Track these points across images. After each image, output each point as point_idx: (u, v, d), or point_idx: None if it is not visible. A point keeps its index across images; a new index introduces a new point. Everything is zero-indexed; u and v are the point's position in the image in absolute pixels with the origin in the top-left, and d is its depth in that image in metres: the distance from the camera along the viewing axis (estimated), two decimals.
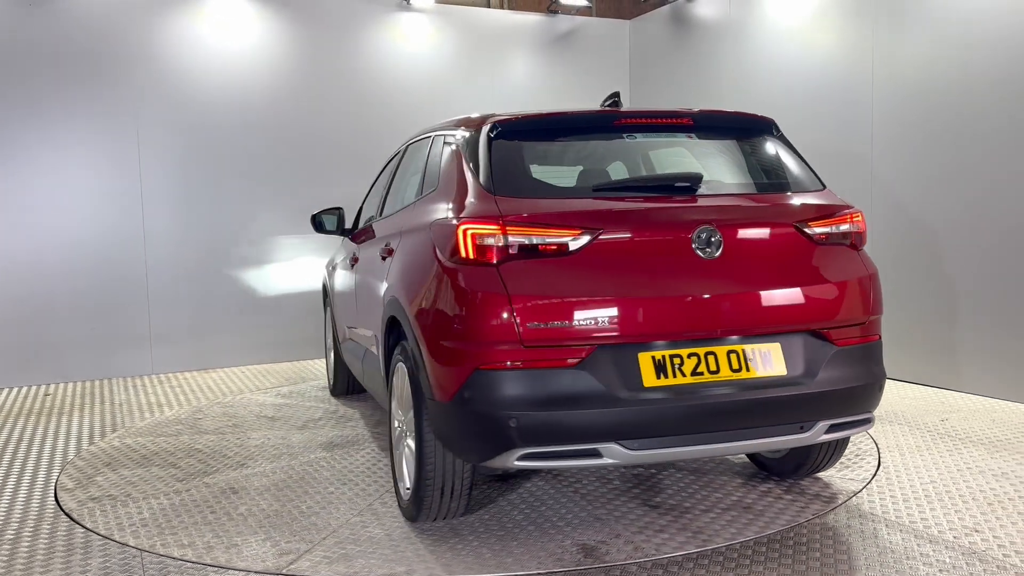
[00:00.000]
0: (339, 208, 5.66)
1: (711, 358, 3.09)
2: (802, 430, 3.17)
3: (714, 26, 7.96)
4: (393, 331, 3.89)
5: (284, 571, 3.18)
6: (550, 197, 3.22)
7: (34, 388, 6.99)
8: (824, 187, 3.55)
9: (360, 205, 5.72)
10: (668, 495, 3.88)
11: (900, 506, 3.67)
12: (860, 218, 3.46)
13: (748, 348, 3.13)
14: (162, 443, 5.10)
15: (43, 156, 6.97)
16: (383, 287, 3.94)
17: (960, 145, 5.67)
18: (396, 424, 3.87)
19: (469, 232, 3.09)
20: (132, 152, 7.24)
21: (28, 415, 6.04)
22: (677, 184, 3.26)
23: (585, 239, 3.04)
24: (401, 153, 4.84)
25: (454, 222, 3.17)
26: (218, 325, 7.70)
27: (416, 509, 3.45)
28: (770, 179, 3.50)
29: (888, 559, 3.12)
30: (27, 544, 3.58)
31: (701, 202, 3.23)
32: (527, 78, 8.83)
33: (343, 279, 5.44)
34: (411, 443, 3.53)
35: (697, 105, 7.23)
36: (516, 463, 3.01)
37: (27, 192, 6.95)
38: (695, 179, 3.26)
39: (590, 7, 9.07)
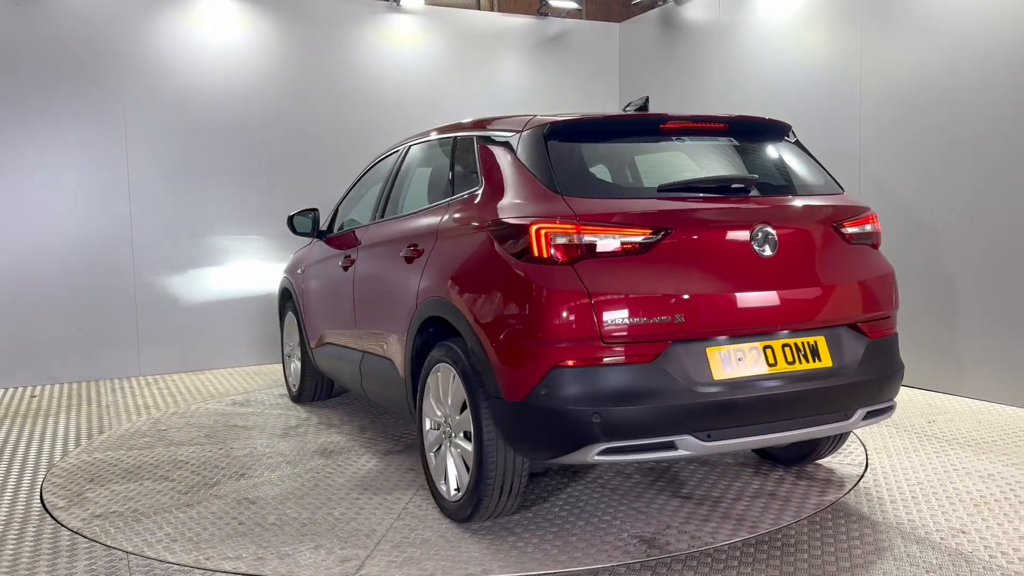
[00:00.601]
0: (315, 209, 5.54)
1: (769, 351, 3.25)
2: (845, 417, 3.39)
3: (703, 29, 8.04)
4: (423, 332, 3.87)
5: None
6: (615, 197, 3.30)
7: (20, 390, 6.86)
8: (843, 190, 3.80)
9: (335, 207, 5.60)
10: (693, 486, 4.03)
11: (887, 507, 3.71)
12: (877, 220, 3.73)
13: (799, 342, 3.32)
14: (138, 456, 4.82)
15: (30, 156, 6.85)
16: (412, 288, 3.89)
17: (947, 145, 5.73)
18: (429, 426, 3.83)
19: (543, 231, 3.12)
20: (120, 152, 7.14)
21: (14, 417, 5.91)
22: (732, 186, 3.41)
23: (656, 238, 3.14)
24: (401, 154, 4.78)
25: (524, 222, 3.19)
26: (206, 327, 7.55)
27: (472, 509, 3.45)
28: (801, 181, 3.70)
29: (875, 560, 3.15)
30: (12, 547, 3.50)
31: (756, 203, 3.39)
32: (517, 80, 8.86)
33: (327, 282, 5.30)
34: (463, 443, 3.51)
35: (686, 108, 7.43)
36: (596, 458, 3.07)
37: (13, 192, 6.83)
38: (750, 181, 3.43)
39: (580, 10, 9.14)
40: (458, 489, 3.59)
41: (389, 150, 5.10)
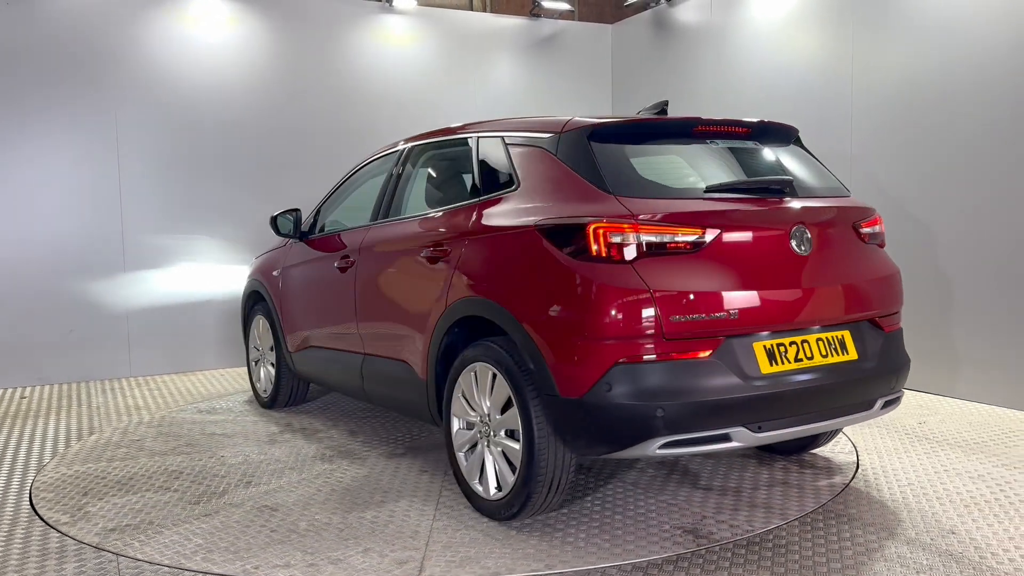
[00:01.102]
0: (297, 210, 5.42)
1: (806, 345, 3.41)
2: (869, 407, 3.60)
3: (695, 30, 8.02)
4: (450, 333, 3.85)
5: None
6: (663, 197, 3.37)
7: (10, 391, 6.80)
8: (849, 193, 4.02)
9: (315, 209, 5.48)
10: (708, 477, 4.17)
11: (877, 508, 3.72)
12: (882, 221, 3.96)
13: (829, 336, 3.49)
14: (123, 467, 4.59)
15: (20, 156, 6.80)
16: (438, 289, 3.87)
17: (940, 146, 5.73)
18: (459, 426, 3.83)
19: (601, 231, 3.18)
20: (111, 152, 7.10)
21: (3, 418, 5.85)
22: (771, 188, 3.56)
23: (708, 237, 3.25)
24: (400, 155, 4.73)
25: (581, 221, 3.24)
26: (197, 327, 7.45)
27: (520, 506, 3.46)
28: (818, 183, 3.88)
29: (865, 560, 3.16)
30: (0, 549, 3.52)
31: (791, 204, 3.55)
32: (509, 81, 8.86)
33: (315, 284, 5.19)
34: (507, 442, 3.52)
35: (677, 111, 7.34)
36: (657, 452, 3.15)
37: (3, 192, 6.78)
38: (787, 184, 3.58)
39: (572, 11, 9.16)
40: (499, 488, 3.60)
41: (381, 152, 5.05)
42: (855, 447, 4.67)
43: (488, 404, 3.64)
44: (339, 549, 3.37)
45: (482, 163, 4.00)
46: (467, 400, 3.77)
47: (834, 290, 3.52)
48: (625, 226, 3.17)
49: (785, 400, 3.30)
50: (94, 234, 7.05)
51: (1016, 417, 5.25)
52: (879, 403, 3.63)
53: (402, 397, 4.35)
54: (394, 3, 8.16)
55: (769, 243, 3.39)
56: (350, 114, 8.02)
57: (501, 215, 3.68)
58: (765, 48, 7.20)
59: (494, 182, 3.87)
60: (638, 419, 3.11)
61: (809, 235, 3.46)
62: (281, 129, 7.71)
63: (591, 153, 3.45)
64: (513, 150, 3.80)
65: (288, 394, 5.85)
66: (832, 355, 3.47)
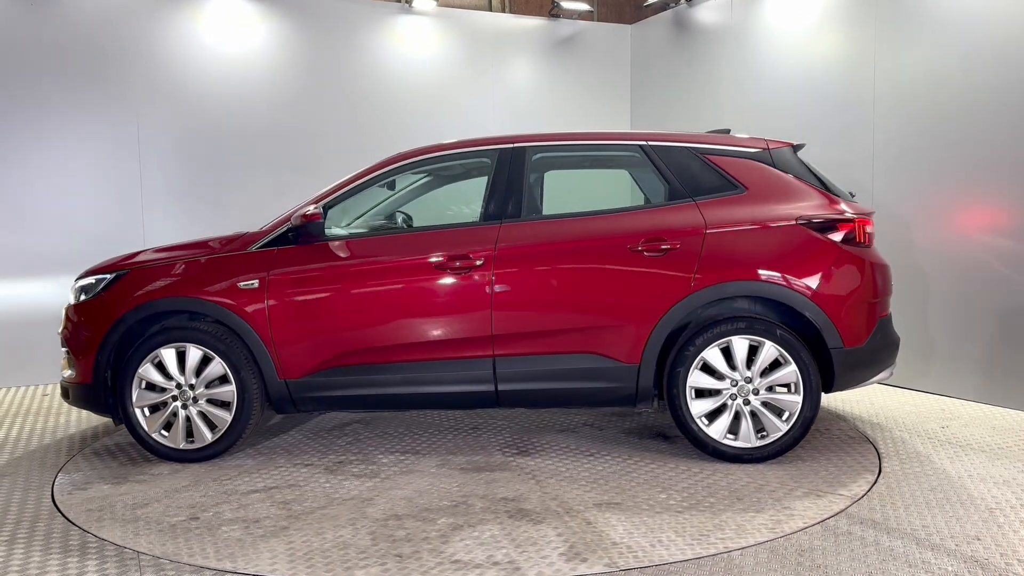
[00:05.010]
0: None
1: None
2: None
3: (715, 32, 7.93)
4: (690, 316, 4.40)
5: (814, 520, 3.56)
6: (847, 200, 4.57)
7: (32, 388, 6.75)
8: None
9: (323, 207, 4.66)
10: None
11: (901, 513, 3.65)
12: None
13: None
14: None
15: (42, 156, 6.88)
16: (671, 278, 4.32)
17: (961, 153, 5.66)
18: (695, 396, 4.31)
19: (862, 224, 4.44)
20: (132, 153, 7.17)
21: (25, 415, 5.80)
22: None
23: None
24: (512, 155, 4.65)
25: (849, 217, 4.40)
26: None
27: (792, 445, 4.33)
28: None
29: (889, 567, 3.12)
30: (23, 544, 3.46)
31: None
32: (528, 82, 8.82)
33: (390, 290, 4.51)
34: (778, 396, 4.30)
35: (697, 112, 8.04)
36: (885, 379, 4.60)
37: (26, 192, 6.85)
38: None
39: (592, 12, 9.08)
40: (763, 435, 4.31)
41: (441, 150, 4.83)
42: (878, 451, 4.62)
43: (746, 370, 4.29)
44: (765, 510, 3.69)
45: (677, 169, 4.56)
46: (707, 371, 4.32)
47: None
48: (869, 221, 4.50)
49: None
50: (116, 234, 7.02)
51: None
52: None
53: (586, 388, 4.43)
54: (413, 4, 8.19)
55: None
56: (370, 115, 8.02)
57: (744, 212, 4.43)
58: (785, 49, 7.15)
59: (698, 185, 4.51)
60: (892, 354, 4.57)
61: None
62: (301, 130, 7.72)
63: (805, 165, 4.64)
64: (719, 160, 4.55)
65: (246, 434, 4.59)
66: None
